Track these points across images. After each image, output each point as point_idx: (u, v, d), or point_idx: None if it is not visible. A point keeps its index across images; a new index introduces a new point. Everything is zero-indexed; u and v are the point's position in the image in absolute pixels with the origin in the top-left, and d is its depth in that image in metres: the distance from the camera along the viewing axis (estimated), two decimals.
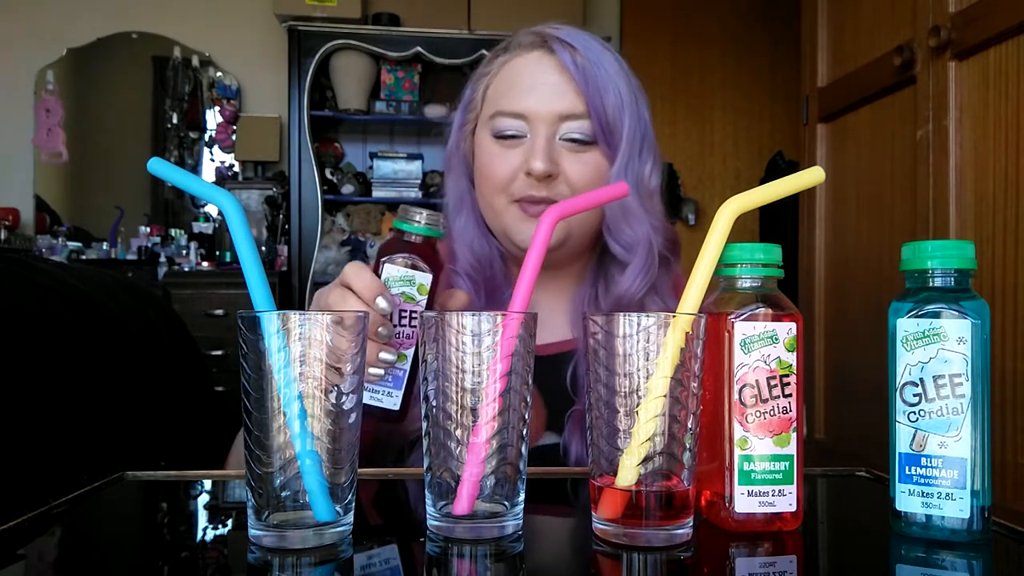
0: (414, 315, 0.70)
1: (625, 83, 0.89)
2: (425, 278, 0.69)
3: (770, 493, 0.53)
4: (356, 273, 0.67)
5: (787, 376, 0.53)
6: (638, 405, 0.49)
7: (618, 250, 0.90)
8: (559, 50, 0.88)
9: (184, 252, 3.50)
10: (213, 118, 3.71)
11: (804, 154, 2.33)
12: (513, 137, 0.88)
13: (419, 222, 0.70)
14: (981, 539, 0.52)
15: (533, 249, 0.59)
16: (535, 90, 0.88)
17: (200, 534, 0.59)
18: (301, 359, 0.49)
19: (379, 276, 0.69)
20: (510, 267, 0.96)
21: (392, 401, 0.70)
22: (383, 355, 0.67)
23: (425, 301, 0.70)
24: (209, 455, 1.32)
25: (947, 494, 0.52)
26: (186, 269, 3.38)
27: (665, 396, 0.49)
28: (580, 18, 3.46)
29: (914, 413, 0.53)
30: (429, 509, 0.53)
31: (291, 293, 3.27)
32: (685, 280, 0.56)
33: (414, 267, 0.69)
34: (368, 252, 3.40)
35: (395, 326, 0.69)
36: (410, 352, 0.69)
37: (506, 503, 0.52)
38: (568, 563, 0.52)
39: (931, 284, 0.53)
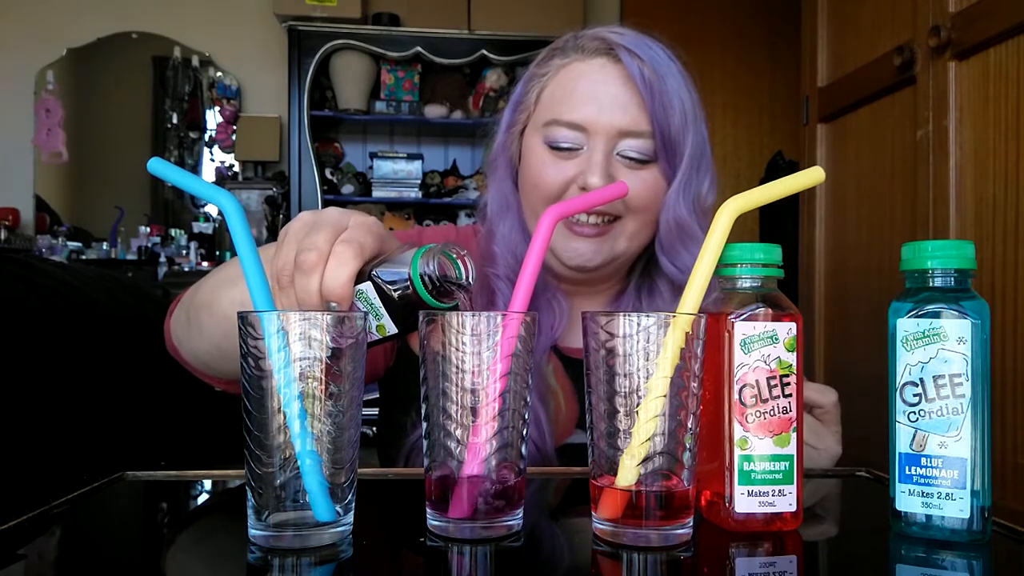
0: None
1: (689, 97, 0.85)
2: (392, 328, 0.60)
3: (770, 493, 0.53)
4: (340, 262, 0.57)
5: (787, 376, 0.53)
6: (638, 405, 0.49)
7: (672, 271, 0.88)
8: (626, 60, 0.84)
9: (184, 252, 3.50)
10: (213, 118, 3.71)
11: (804, 154, 2.33)
12: (569, 149, 0.84)
13: (432, 291, 0.59)
14: (981, 539, 0.52)
15: (533, 249, 0.59)
16: (596, 100, 0.83)
17: (200, 534, 0.59)
18: (301, 359, 0.49)
19: (360, 278, 0.59)
20: (546, 276, 0.92)
21: None
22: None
23: (374, 339, 0.61)
24: (209, 455, 1.32)
25: (947, 494, 0.52)
26: (186, 269, 3.38)
27: (665, 396, 0.49)
28: (580, 18, 3.45)
29: (914, 413, 0.53)
30: (429, 509, 0.53)
31: None
32: None
33: (391, 312, 0.60)
34: None
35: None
36: None
37: (506, 503, 0.52)
38: (568, 563, 0.52)
39: (931, 284, 0.53)
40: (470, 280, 0.61)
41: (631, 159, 0.84)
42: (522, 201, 0.91)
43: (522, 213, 0.91)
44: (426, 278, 0.58)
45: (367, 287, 0.60)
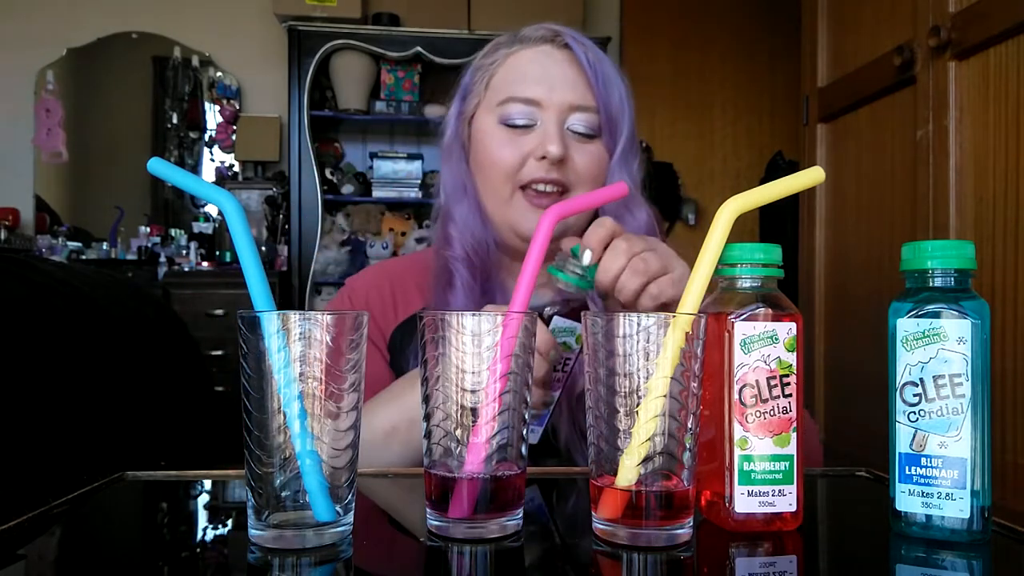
0: (567, 361, 0.74)
1: (622, 83, 0.93)
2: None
3: (770, 493, 0.53)
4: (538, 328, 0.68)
5: (787, 376, 0.53)
6: (638, 405, 0.49)
7: None
8: (573, 45, 0.91)
9: (184, 252, 3.50)
10: (213, 118, 3.71)
11: (804, 154, 2.33)
12: (524, 127, 0.90)
13: (580, 275, 0.73)
14: (981, 539, 0.52)
15: (533, 249, 0.59)
16: (547, 79, 0.90)
17: (200, 534, 0.59)
18: (301, 359, 0.49)
19: (547, 325, 0.73)
20: (502, 254, 0.97)
21: (533, 437, 0.76)
22: (546, 399, 0.74)
23: (578, 351, 0.73)
24: (209, 455, 1.32)
25: (947, 494, 0.52)
26: (186, 269, 3.37)
27: (665, 396, 0.49)
28: (580, 18, 3.45)
29: (914, 413, 0.53)
30: (429, 509, 0.53)
31: (291, 293, 3.27)
32: None
33: (579, 319, 0.70)
34: (368, 252, 3.40)
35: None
36: (556, 394, 0.75)
37: (506, 503, 0.52)
38: (568, 563, 0.52)
39: (931, 284, 0.53)
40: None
41: (580, 134, 0.91)
42: (479, 184, 0.95)
43: (478, 196, 0.95)
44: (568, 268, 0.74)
45: (556, 320, 0.74)
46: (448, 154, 0.99)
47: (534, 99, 0.90)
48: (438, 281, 0.94)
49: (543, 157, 0.88)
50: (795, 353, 0.54)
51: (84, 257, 3.43)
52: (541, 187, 0.89)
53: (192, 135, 3.72)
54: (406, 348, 0.94)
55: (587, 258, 0.73)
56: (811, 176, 0.57)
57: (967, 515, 0.51)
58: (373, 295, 0.99)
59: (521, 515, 0.53)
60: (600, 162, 0.92)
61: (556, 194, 0.91)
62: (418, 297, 0.97)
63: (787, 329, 0.54)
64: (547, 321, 0.73)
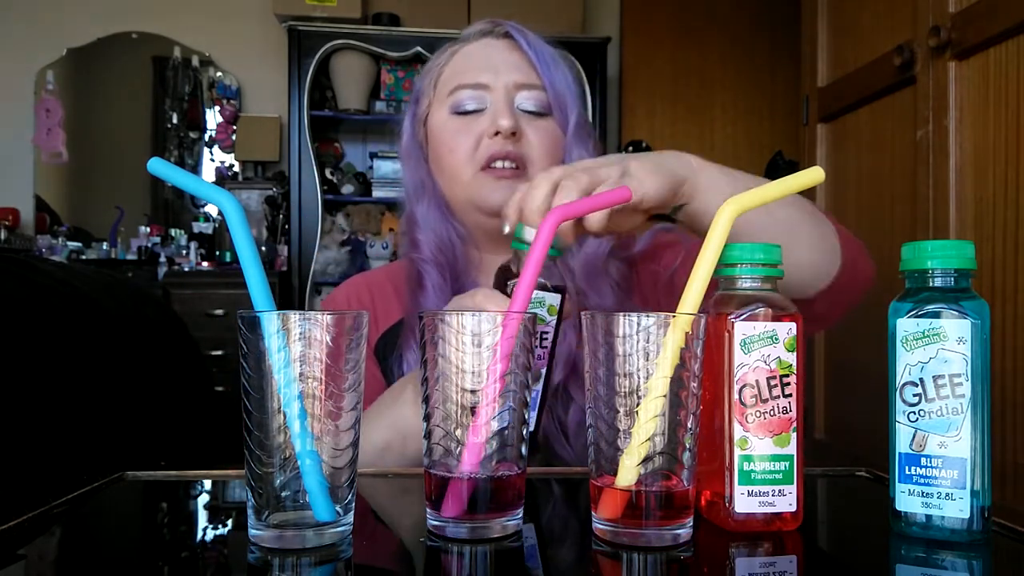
0: (544, 336, 0.69)
1: (567, 65, 0.96)
2: (554, 299, 0.68)
3: (770, 493, 0.53)
4: (492, 302, 0.65)
5: (787, 376, 0.53)
6: (638, 405, 0.49)
7: None
8: (513, 32, 0.95)
9: (184, 252, 3.50)
10: (213, 118, 3.71)
11: (804, 154, 2.33)
12: (474, 112, 0.92)
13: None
14: (981, 539, 0.52)
15: (534, 250, 0.59)
16: (491, 65, 0.94)
17: (200, 534, 0.59)
18: (301, 359, 0.49)
19: (508, 296, 0.67)
20: (470, 250, 0.98)
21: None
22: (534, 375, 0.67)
23: (554, 322, 0.68)
24: (209, 455, 1.32)
25: (947, 494, 0.52)
26: (186, 269, 3.37)
27: (665, 396, 0.49)
28: (580, 18, 3.45)
29: (914, 413, 0.53)
30: (429, 509, 0.53)
31: (291, 293, 3.27)
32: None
33: (543, 288, 0.68)
34: (368, 252, 3.40)
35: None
36: (543, 371, 0.69)
37: (506, 503, 0.52)
38: (568, 563, 0.52)
39: (931, 284, 0.53)
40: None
41: (530, 112, 0.93)
42: (439, 178, 0.97)
43: (439, 192, 0.97)
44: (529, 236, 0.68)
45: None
46: (407, 157, 1.00)
47: (481, 83, 0.92)
48: (409, 285, 0.95)
49: (496, 133, 0.89)
50: (795, 353, 0.54)
51: (84, 257, 3.43)
52: (500, 164, 0.91)
53: (192, 135, 3.72)
54: (389, 357, 0.94)
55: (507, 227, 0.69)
56: (811, 176, 0.57)
57: (967, 515, 0.51)
58: (355, 307, 0.98)
59: (521, 515, 0.53)
60: (554, 138, 0.93)
61: (515, 170, 0.91)
62: (397, 306, 0.98)
63: (787, 329, 0.54)
64: (508, 293, 0.68)
